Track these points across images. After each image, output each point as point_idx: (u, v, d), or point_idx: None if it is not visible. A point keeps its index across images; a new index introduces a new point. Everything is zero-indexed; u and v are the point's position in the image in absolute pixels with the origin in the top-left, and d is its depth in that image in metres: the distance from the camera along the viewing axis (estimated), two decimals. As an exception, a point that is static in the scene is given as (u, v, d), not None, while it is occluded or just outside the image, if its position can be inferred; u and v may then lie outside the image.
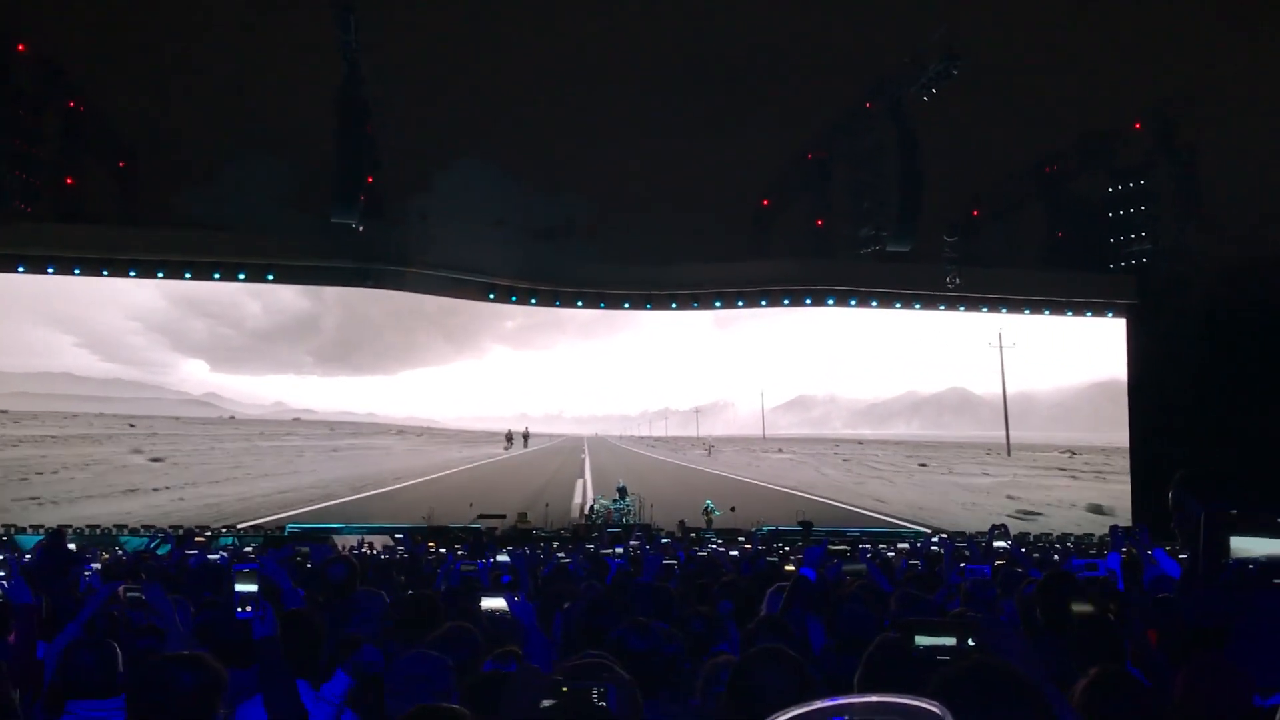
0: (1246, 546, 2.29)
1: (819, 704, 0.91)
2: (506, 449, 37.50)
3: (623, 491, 31.62)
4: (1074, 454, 35.01)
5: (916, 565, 12.08)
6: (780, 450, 38.18)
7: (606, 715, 2.84)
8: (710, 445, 39.30)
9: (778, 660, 3.41)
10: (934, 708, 0.88)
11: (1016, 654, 3.11)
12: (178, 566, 11.12)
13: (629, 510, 31.07)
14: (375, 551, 18.18)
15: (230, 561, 10.84)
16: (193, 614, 6.11)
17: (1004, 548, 13.05)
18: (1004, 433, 35.63)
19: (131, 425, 32.39)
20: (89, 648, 4.32)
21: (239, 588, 4.09)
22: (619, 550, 14.67)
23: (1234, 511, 2.28)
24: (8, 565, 6.45)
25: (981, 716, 2.41)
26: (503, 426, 37.08)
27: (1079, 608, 3.55)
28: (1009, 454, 35.22)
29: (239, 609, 4.03)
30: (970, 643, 3.40)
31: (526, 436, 37.82)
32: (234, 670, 3.77)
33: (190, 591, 7.73)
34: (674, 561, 10.89)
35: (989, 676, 2.62)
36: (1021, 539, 24.30)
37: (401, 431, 36.45)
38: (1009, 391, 35.84)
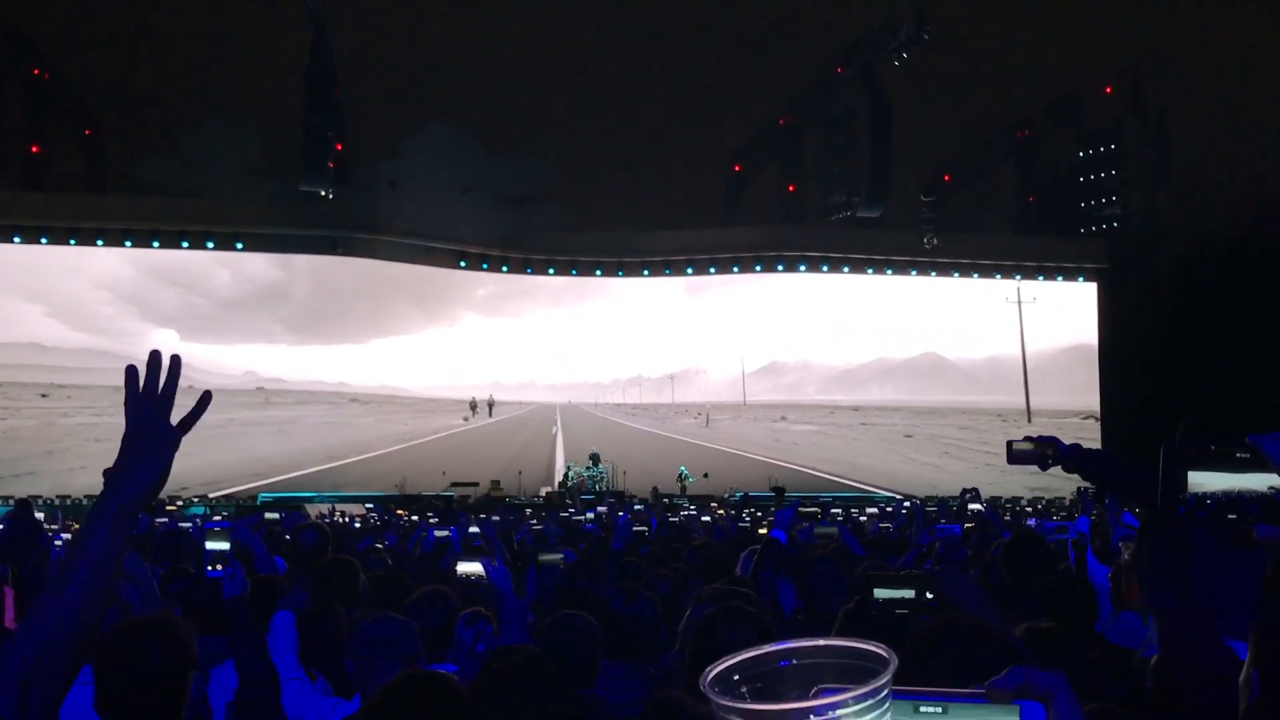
0: (1203, 481, 2.30)
1: (765, 648, 0.91)
2: (465, 420, 36.88)
3: (595, 459, 31.64)
4: (1097, 419, 34.34)
5: (888, 528, 12.16)
6: (784, 418, 37.55)
7: None
8: (706, 413, 38.47)
9: (738, 617, 3.42)
10: (880, 650, 0.88)
11: (970, 601, 3.13)
12: (147, 534, 11.08)
13: (602, 478, 31.12)
14: (348, 519, 18.15)
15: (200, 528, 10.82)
16: (162, 579, 6.09)
17: (978, 510, 13.13)
18: (978, 397, 35.76)
19: (44, 395, 31.87)
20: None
21: (209, 546, 4.08)
22: (590, 516, 14.70)
23: (1192, 446, 2.29)
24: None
25: (957, 668, 2.43)
26: (477, 395, 36.71)
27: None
28: (1029, 419, 34.82)
29: (209, 567, 4.01)
30: (928, 595, 3.44)
31: (491, 405, 37.08)
32: (208, 636, 3.75)
33: (160, 559, 7.71)
34: (645, 528, 10.86)
35: (962, 630, 2.64)
36: (994, 501, 24.44)
37: (355, 400, 35.92)
38: (979, 357, 35.97)
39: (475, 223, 31.31)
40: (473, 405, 36.79)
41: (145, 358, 2.00)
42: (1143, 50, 31.67)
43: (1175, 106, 31.51)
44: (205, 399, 2.00)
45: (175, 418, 2.01)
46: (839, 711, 0.84)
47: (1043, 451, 3.46)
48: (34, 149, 30.59)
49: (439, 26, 36.24)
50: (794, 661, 0.90)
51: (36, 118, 30.85)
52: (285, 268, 33.69)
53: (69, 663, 1.80)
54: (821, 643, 0.90)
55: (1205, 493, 2.26)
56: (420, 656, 3.93)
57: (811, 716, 0.83)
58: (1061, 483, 29.67)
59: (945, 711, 0.93)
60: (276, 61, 31.07)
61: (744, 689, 0.89)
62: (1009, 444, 3.56)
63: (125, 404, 1.97)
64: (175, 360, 2.01)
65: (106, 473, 1.95)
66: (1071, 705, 0.94)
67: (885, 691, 0.86)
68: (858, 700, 0.85)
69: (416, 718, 2.87)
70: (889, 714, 0.87)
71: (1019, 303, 34.37)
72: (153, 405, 1.98)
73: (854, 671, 0.87)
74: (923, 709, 0.92)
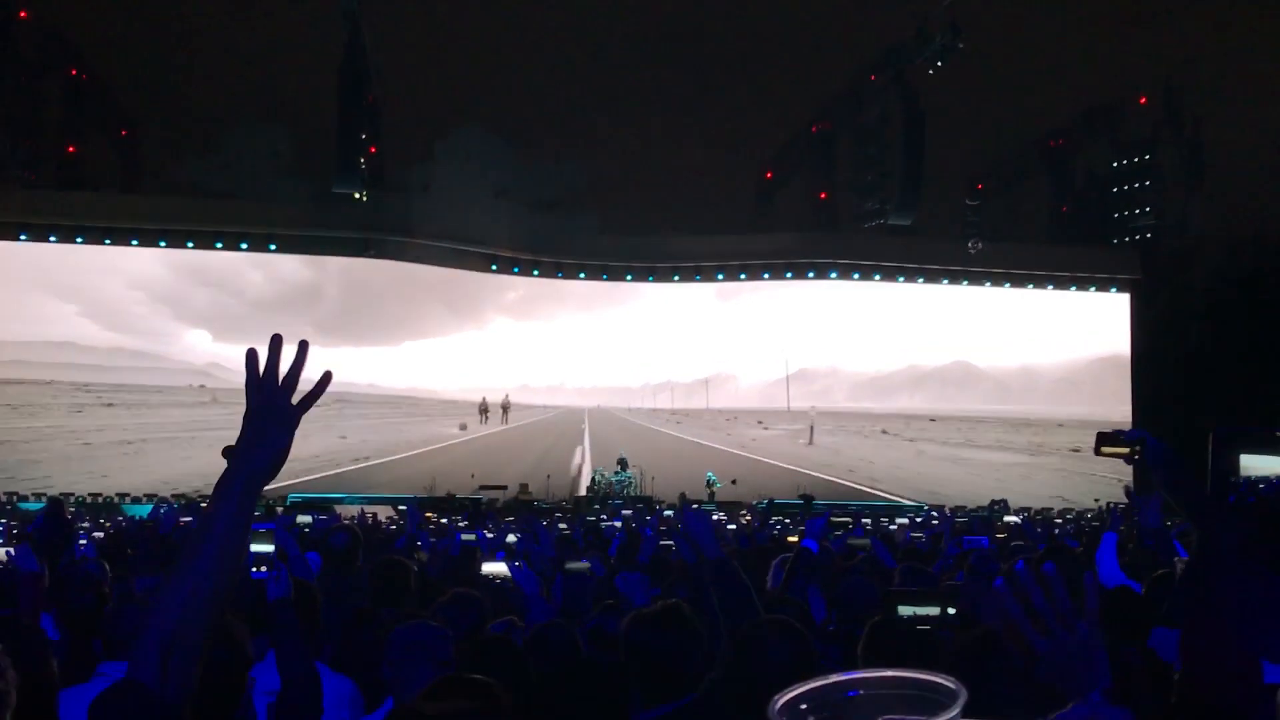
0: (1257, 465, 2.29)
1: (834, 678, 0.91)
2: (463, 429, 35.11)
3: (623, 464, 31.52)
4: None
5: (920, 538, 12.08)
6: (884, 431, 36.00)
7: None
8: (810, 425, 35.40)
9: (782, 632, 3.40)
10: (950, 683, 0.88)
11: (995, 615, 3.13)
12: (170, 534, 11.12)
13: (630, 483, 31.00)
14: (373, 521, 18.17)
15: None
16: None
17: (1014, 522, 13.06)
18: (1011, 407, 35.60)
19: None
20: (125, 612, 4.36)
21: (254, 548, 4.09)
22: (618, 523, 14.64)
23: (1243, 430, 2.28)
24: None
25: (989, 682, 2.43)
26: (494, 396, 35.89)
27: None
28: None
29: (253, 569, 4.02)
30: (950, 611, 3.44)
31: (506, 409, 35.99)
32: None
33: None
34: (670, 543, 10.51)
35: (993, 647, 2.64)
36: (1021, 512, 24.28)
37: (341, 401, 35.25)
38: (1011, 366, 35.77)
39: (507, 226, 31.38)
40: (483, 409, 35.73)
41: (177, 357, 2.11)
42: (1177, 61, 31.53)
43: (1209, 117, 31.35)
44: (325, 379, 2.07)
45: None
46: None
47: (1132, 447, 3.44)
48: (70, 149, 30.83)
49: (473, 31, 36.36)
50: (862, 692, 0.90)
51: (73, 118, 31.08)
52: (317, 269, 33.77)
53: (204, 633, 1.88)
54: (890, 674, 0.90)
55: (1257, 478, 2.25)
56: (453, 662, 3.94)
57: None
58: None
59: None
60: (311, 64, 31.25)
61: (811, 718, 0.89)
62: (1099, 435, 3.54)
63: (246, 384, 2.05)
64: (303, 345, 2.10)
65: (227, 451, 2.02)
66: None
67: None
68: None
69: None
70: None
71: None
72: (273, 385, 2.06)
73: (923, 704, 0.87)
74: None
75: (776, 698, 0.90)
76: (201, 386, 32.81)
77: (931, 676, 0.89)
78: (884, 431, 35.91)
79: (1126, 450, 3.39)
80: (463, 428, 35.36)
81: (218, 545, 1.91)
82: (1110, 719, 0.94)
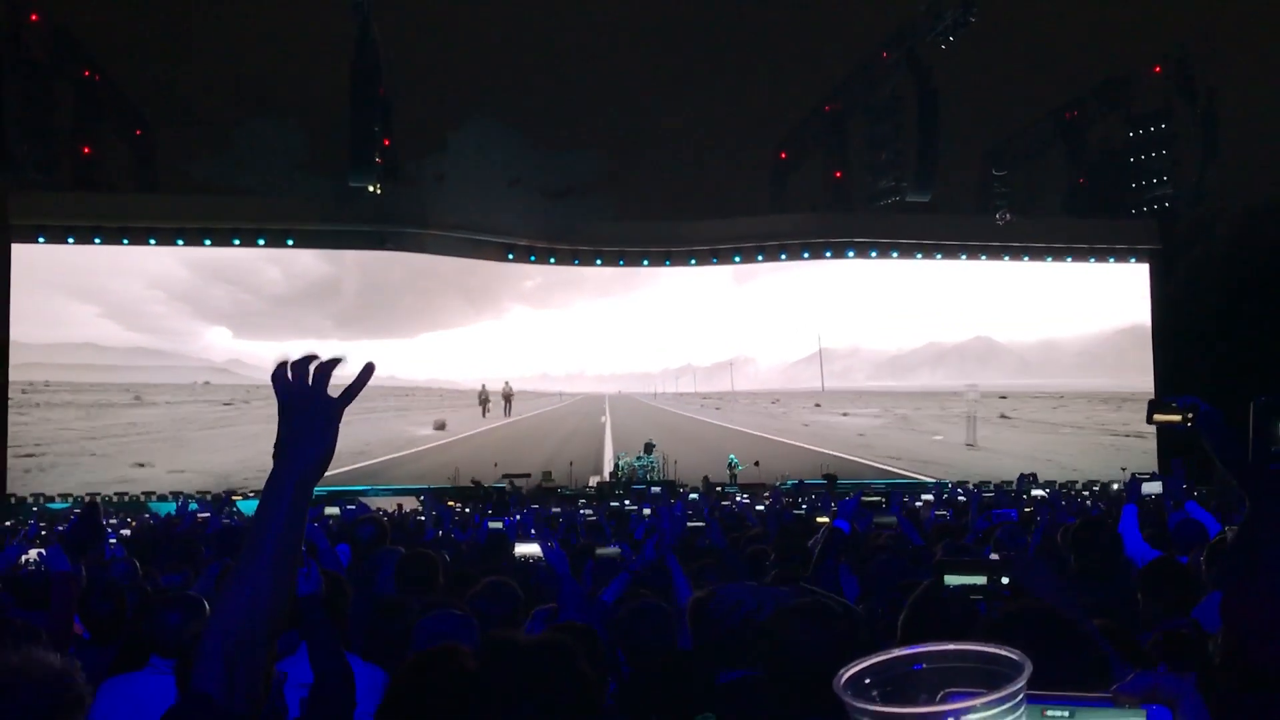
0: None
1: (896, 652, 0.90)
2: (441, 429, 33.47)
3: (648, 448, 31.53)
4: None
5: (945, 515, 12.06)
6: (1000, 415, 34.37)
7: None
8: (972, 413, 32.47)
9: (817, 615, 3.38)
10: (1014, 655, 0.87)
11: (1050, 589, 3.11)
12: (190, 530, 11.16)
13: (653, 467, 31.01)
14: (407, 512, 18.22)
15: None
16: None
17: (1042, 495, 13.01)
18: (1030, 381, 35.46)
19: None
20: (175, 606, 4.38)
21: None
22: (646, 510, 14.60)
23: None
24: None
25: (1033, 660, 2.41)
26: (496, 385, 34.99)
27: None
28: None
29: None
30: (1004, 580, 3.41)
31: (509, 399, 35.02)
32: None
33: (221, 555, 7.75)
34: (701, 524, 10.32)
35: (1034, 620, 2.61)
36: (1048, 485, 24.26)
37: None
38: (1031, 340, 35.60)
39: (522, 215, 31.38)
40: (483, 399, 34.60)
41: (197, 355, 2.05)
42: (1191, 30, 31.31)
43: (1223, 85, 31.17)
44: (367, 371, 2.02)
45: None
46: (970, 717, 0.83)
47: (1184, 414, 3.43)
48: (85, 150, 30.90)
49: (483, 20, 36.33)
50: (926, 665, 0.90)
51: (87, 119, 31.15)
52: (335, 264, 33.79)
53: (267, 639, 1.87)
54: (953, 647, 0.89)
55: None
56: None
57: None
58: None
59: (1072, 716, 0.92)
60: (323, 59, 31.28)
61: (874, 692, 0.89)
62: (1150, 404, 3.52)
63: (274, 381, 2.00)
64: (368, 367, 2.05)
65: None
66: (1198, 710, 0.93)
67: (1020, 697, 0.85)
68: (989, 706, 0.84)
69: (431, 690, 2.88)
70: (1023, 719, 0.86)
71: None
72: (304, 381, 2.00)
73: (987, 676, 0.86)
74: (1049, 713, 0.92)
75: (842, 671, 0.89)
76: (206, 383, 32.89)
77: (997, 649, 0.88)
78: (1003, 416, 33.90)
79: (1179, 417, 3.36)
80: (439, 426, 34.13)
81: (273, 550, 1.88)
82: (1173, 687, 0.93)
